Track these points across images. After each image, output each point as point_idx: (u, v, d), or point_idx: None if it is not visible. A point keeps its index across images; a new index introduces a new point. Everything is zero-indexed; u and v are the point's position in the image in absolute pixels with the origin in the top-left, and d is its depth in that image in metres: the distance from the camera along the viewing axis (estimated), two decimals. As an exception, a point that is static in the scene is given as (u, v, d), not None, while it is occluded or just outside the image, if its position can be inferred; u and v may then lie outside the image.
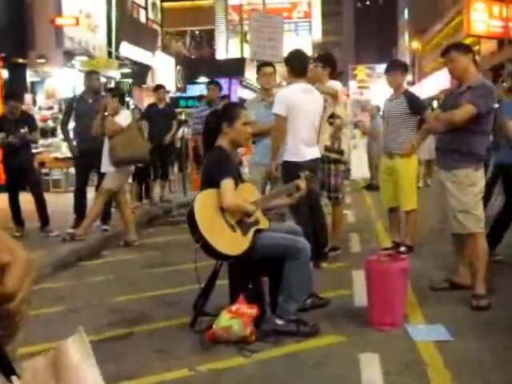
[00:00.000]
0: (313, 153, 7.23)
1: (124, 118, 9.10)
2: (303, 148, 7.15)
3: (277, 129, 7.21)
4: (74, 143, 10.26)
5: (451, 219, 6.14)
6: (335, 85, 8.22)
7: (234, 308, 5.15)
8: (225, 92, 25.33)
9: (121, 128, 8.97)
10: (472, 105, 5.86)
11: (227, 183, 5.18)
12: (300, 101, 7.14)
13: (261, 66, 8.92)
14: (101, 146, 9.19)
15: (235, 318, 5.06)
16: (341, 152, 8.13)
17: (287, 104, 7.13)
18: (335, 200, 8.34)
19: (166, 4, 31.58)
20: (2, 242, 1.01)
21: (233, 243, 5.19)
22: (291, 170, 6.75)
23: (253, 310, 5.14)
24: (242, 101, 12.01)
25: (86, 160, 9.77)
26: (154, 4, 29.53)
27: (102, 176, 9.56)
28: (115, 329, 5.67)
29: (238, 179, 5.51)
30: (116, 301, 6.63)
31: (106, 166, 9.16)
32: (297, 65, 7.34)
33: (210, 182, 5.28)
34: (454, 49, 6.22)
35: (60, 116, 16.62)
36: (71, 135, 10.61)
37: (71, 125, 10.50)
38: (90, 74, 10.60)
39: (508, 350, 4.90)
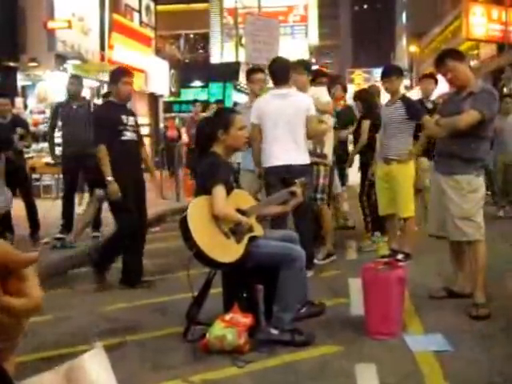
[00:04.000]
0: (288, 159, 7.12)
1: None
2: (274, 154, 7.14)
3: (251, 137, 7.21)
4: (60, 149, 10.28)
5: (450, 226, 6.12)
6: (321, 93, 8.19)
7: (227, 317, 5.12)
8: (219, 97, 25.43)
9: None
10: (477, 111, 5.85)
11: (219, 190, 5.16)
12: (268, 107, 7.18)
13: (251, 72, 8.91)
14: (87, 151, 9.22)
15: (229, 328, 5.04)
16: (323, 156, 8.10)
17: (258, 112, 7.22)
18: (321, 201, 8.26)
19: (159, 7, 31.56)
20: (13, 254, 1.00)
21: (226, 250, 5.17)
22: (265, 176, 7.27)
23: (247, 319, 5.12)
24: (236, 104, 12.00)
25: (71, 165, 9.74)
26: (147, 7, 29.51)
27: (90, 182, 9.56)
28: (106, 338, 5.62)
29: (233, 185, 5.50)
30: (107, 309, 6.60)
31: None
32: (276, 72, 7.36)
33: (204, 188, 5.27)
34: (450, 57, 6.18)
35: (52, 121, 16.63)
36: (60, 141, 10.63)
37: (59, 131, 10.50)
38: (69, 79, 10.59)
39: (508, 361, 4.88)
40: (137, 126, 7.84)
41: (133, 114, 7.81)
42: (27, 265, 0.96)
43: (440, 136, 6.37)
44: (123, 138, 7.37)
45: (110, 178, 7.19)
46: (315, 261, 8.04)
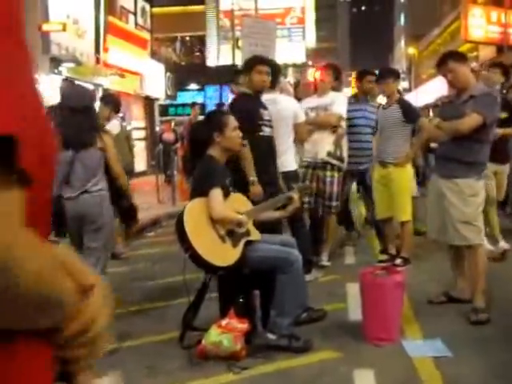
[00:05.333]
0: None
1: (111, 127, 9.07)
2: None
3: None
4: None
5: (450, 230, 6.11)
6: (338, 100, 8.16)
7: (223, 323, 5.12)
8: (215, 100, 25.41)
9: None
10: (478, 114, 5.85)
11: (215, 193, 5.17)
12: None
13: (237, 73, 8.72)
14: None
15: (225, 333, 5.03)
16: (342, 159, 8.13)
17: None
18: (327, 209, 8.28)
19: (155, 9, 31.58)
20: (80, 267, 1.05)
21: (222, 254, 5.16)
22: None
23: (243, 325, 5.12)
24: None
25: None
26: (143, 9, 29.53)
27: None
28: (101, 344, 5.62)
29: (230, 189, 5.49)
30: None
31: None
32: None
33: (200, 191, 5.27)
34: (451, 59, 6.17)
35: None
36: None
37: None
38: (63, 82, 10.57)
39: (508, 367, 4.87)
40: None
41: (266, 108, 7.11)
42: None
43: (441, 139, 6.35)
44: (262, 133, 6.81)
45: (253, 178, 6.50)
46: (324, 263, 8.09)
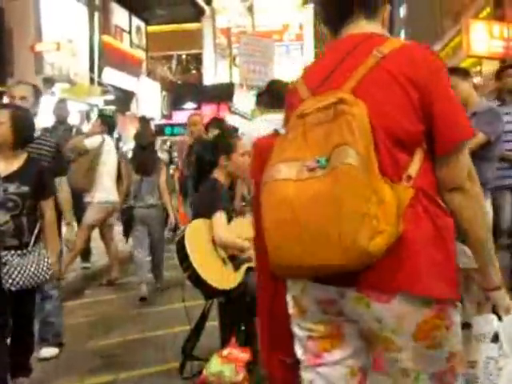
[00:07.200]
0: None
1: (91, 141, 9.02)
2: None
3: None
4: None
5: (458, 253, 6.01)
6: None
7: (225, 352, 5.05)
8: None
9: (84, 148, 8.88)
10: (481, 132, 5.81)
11: (218, 217, 5.15)
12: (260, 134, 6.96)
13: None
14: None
15: (227, 363, 4.97)
16: None
17: (250, 140, 7.00)
18: None
19: (151, 28, 31.67)
20: None
21: (222, 277, 5.12)
22: None
23: (245, 354, 5.05)
24: (234, 129, 11.80)
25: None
26: (138, 28, 29.62)
27: (79, 209, 9.57)
28: (99, 375, 5.58)
29: (233, 214, 5.47)
30: (99, 344, 6.55)
31: (88, 196, 9.07)
32: (278, 94, 6.94)
33: (202, 213, 5.25)
34: (453, 75, 6.15)
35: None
36: None
37: None
38: (57, 103, 10.60)
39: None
40: None
41: None
42: None
43: None
44: None
45: None
46: None
